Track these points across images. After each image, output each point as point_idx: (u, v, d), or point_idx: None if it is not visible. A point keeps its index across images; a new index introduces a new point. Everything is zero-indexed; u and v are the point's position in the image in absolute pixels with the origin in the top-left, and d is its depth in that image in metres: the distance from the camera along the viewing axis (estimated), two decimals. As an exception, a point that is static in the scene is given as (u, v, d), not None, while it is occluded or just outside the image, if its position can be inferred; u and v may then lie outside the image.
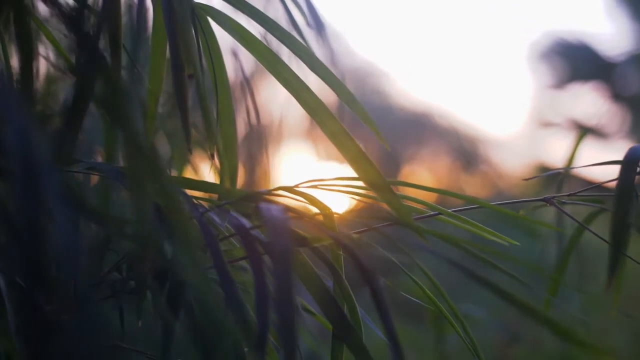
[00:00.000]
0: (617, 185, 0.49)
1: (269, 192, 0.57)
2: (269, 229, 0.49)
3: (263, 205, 0.52)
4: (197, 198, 0.63)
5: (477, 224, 0.61)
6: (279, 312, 0.45)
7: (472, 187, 4.51)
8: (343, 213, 0.62)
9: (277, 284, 0.45)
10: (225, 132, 0.64)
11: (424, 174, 4.85)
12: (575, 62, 4.67)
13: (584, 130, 0.84)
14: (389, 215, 0.56)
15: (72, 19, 0.42)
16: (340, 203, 0.63)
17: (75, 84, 0.41)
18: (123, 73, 0.53)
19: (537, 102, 4.82)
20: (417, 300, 0.64)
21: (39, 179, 0.34)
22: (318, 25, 0.68)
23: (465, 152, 4.78)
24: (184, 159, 0.95)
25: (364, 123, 0.58)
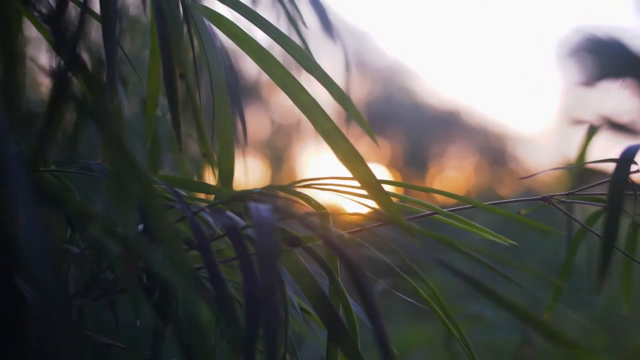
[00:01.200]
0: (611, 183, 0.48)
1: (261, 192, 0.57)
2: (255, 228, 0.49)
3: (252, 204, 0.51)
4: (197, 199, 0.63)
5: (474, 223, 0.60)
6: (262, 310, 0.45)
7: (500, 185, 4.47)
8: (341, 213, 0.62)
9: (261, 282, 0.45)
10: (222, 133, 0.63)
11: (451, 172, 4.82)
12: (606, 58, 4.61)
13: (594, 128, 0.83)
14: (381, 215, 0.56)
15: (52, 18, 0.42)
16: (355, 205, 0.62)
17: (53, 84, 0.41)
18: (113, 73, 0.53)
19: (567, 99, 4.77)
20: (413, 301, 0.64)
21: (7, 178, 0.34)
22: (326, 24, 0.67)
23: (494, 150, 4.74)
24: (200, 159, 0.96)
25: (357, 122, 0.58)
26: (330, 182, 0.60)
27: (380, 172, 4.47)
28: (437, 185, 4.78)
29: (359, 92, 5.23)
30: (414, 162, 4.87)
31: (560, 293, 0.67)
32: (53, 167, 0.58)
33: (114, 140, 0.43)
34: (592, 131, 0.80)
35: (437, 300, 0.60)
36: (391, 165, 4.71)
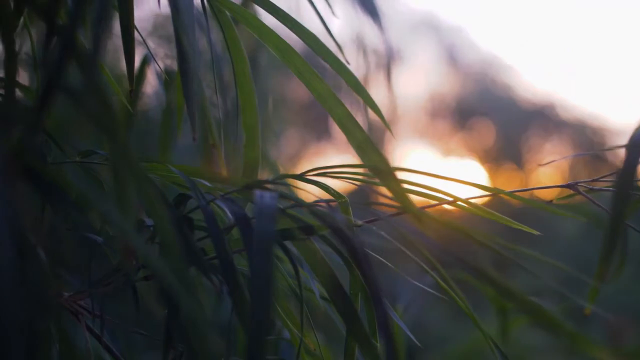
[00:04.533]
0: (620, 169, 0.46)
1: (274, 181, 0.57)
2: (255, 215, 0.49)
3: (258, 192, 0.52)
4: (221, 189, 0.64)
5: (498, 214, 0.59)
6: (254, 294, 0.45)
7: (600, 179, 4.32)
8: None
9: (255, 267, 0.45)
10: (247, 124, 0.64)
11: (548, 168, 4.69)
12: None
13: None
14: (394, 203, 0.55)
15: (43, 7, 0.44)
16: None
17: (43, 75, 0.43)
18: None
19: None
20: (438, 294, 0.63)
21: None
22: (371, 11, 0.67)
23: (592, 143, 4.60)
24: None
25: (371, 109, 0.57)
26: (347, 170, 0.59)
27: (472, 165, 4.40)
28: (534, 180, 4.67)
29: (451, 86, 5.17)
30: (508, 156, 4.77)
31: (596, 294, 0.64)
32: (78, 158, 0.60)
33: (106, 130, 0.44)
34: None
35: (451, 292, 0.59)
36: (484, 160, 4.63)
